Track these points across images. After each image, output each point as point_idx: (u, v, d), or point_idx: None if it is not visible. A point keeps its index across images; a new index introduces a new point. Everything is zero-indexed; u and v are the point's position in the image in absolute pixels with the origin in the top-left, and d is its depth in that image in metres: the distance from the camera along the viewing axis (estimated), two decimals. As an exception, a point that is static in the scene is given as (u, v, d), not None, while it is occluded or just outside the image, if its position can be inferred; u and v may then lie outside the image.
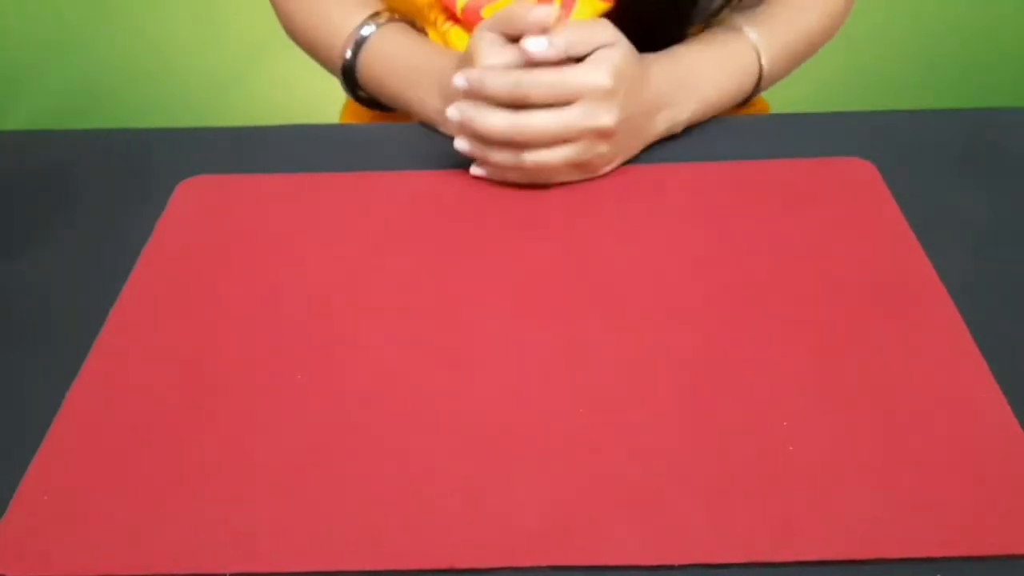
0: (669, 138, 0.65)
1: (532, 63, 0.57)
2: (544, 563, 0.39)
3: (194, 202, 0.61)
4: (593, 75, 0.56)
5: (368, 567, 0.39)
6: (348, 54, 0.70)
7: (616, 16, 0.71)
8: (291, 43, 0.80)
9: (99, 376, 0.48)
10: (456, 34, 0.75)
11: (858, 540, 0.40)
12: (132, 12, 1.76)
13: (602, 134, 0.58)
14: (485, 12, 0.72)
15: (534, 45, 0.56)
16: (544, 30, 0.56)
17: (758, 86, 0.71)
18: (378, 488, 0.42)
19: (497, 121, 0.57)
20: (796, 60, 0.76)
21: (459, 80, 0.58)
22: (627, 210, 0.59)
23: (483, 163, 0.60)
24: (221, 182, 0.63)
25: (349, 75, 0.72)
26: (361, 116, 0.86)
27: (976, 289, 0.53)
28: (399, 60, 0.69)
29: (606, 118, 0.57)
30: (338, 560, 0.40)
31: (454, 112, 0.59)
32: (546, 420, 0.45)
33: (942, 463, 0.43)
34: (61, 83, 1.77)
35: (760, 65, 0.70)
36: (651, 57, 0.64)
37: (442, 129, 0.66)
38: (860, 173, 0.62)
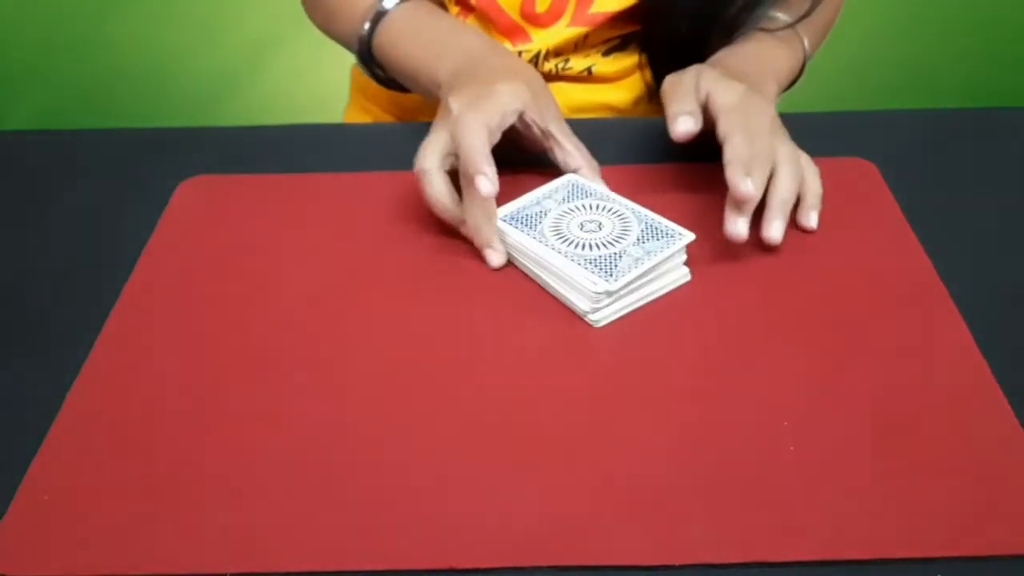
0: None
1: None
2: (545, 563, 0.39)
3: (194, 202, 0.61)
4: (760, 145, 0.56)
5: (368, 567, 0.39)
6: (366, 27, 0.68)
7: (639, 11, 0.71)
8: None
9: (99, 376, 0.48)
10: (472, 25, 0.75)
11: (858, 540, 0.40)
12: (133, 12, 1.76)
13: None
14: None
15: (685, 124, 0.57)
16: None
17: (803, 65, 0.74)
18: (378, 488, 0.42)
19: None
20: (823, 37, 0.79)
21: (745, 186, 0.53)
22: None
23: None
24: (221, 182, 0.63)
25: (365, 49, 0.69)
26: (363, 116, 0.86)
27: (976, 289, 0.53)
28: (423, 35, 0.67)
29: (777, 144, 0.57)
30: (338, 560, 0.40)
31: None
32: (546, 420, 0.45)
33: (942, 463, 0.43)
34: (61, 83, 1.77)
35: (803, 44, 0.73)
36: (720, 56, 0.67)
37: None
38: (860, 173, 0.62)
